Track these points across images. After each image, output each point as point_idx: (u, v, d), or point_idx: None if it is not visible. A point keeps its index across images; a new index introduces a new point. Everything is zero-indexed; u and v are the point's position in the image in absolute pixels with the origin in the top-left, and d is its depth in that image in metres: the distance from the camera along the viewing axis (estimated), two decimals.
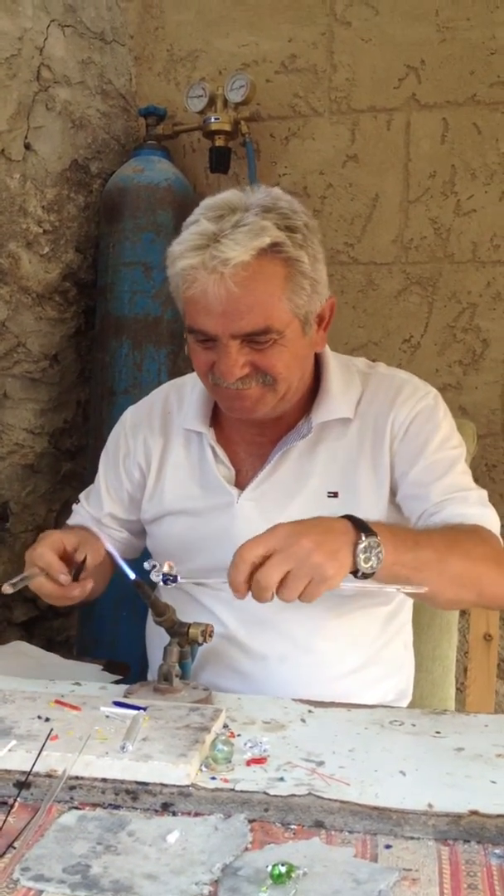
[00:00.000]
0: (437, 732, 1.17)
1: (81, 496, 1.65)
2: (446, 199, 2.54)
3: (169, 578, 1.24)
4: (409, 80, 2.55)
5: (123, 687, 1.31)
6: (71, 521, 1.65)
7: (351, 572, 1.20)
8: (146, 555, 1.62)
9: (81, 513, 1.64)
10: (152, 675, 1.54)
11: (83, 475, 2.66)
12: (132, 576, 1.22)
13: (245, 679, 1.43)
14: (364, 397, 1.50)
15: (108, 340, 2.56)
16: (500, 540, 1.42)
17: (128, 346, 2.52)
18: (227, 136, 2.60)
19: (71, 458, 2.69)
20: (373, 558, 1.19)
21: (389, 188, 2.59)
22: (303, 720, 1.21)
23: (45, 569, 1.31)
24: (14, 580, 1.27)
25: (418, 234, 2.58)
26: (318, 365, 1.51)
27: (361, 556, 1.19)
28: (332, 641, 1.44)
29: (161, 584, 1.24)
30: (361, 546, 1.19)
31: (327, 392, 1.48)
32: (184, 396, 1.59)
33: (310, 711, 1.24)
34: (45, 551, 1.32)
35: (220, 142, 2.60)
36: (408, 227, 2.58)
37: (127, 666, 1.63)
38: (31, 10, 2.33)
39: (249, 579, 1.16)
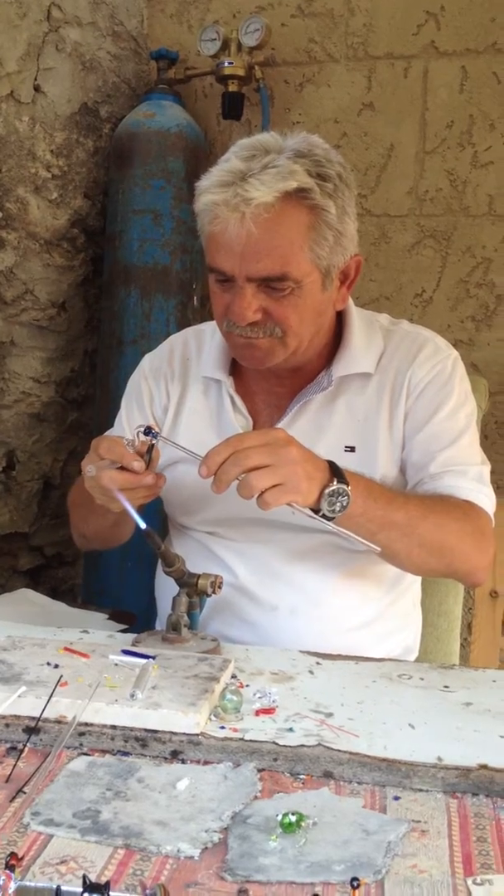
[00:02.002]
0: (446, 687, 1.17)
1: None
2: (463, 150, 2.49)
3: (151, 431, 1.24)
4: (427, 26, 2.49)
5: (131, 635, 1.31)
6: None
7: (314, 510, 1.23)
8: (159, 500, 1.61)
9: None
10: (161, 624, 1.54)
11: (89, 425, 2.65)
12: (143, 525, 1.21)
13: (254, 629, 1.43)
14: (385, 353, 1.48)
15: (116, 289, 2.53)
16: (490, 519, 1.42)
17: (136, 296, 2.49)
18: (240, 81, 2.55)
19: (77, 408, 2.67)
20: (336, 504, 1.23)
21: (405, 138, 2.54)
22: (311, 672, 1.21)
23: (118, 459, 1.24)
24: (94, 465, 1.25)
25: (434, 186, 2.53)
26: (340, 319, 1.49)
27: (326, 500, 1.22)
28: (342, 596, 1.44)
29: (143, 436, 1.24)
30: (329, 489, 1.22)
31: (349, 346, 1.46)
32: (203, 343, 1.58)
33: (318, 664, 1.24)
34: (113, 443, 1.26)
35: (233, 87, 2.55)
36: (423, 179, 2.54)
37: (132, 615, 1.63)
38: None
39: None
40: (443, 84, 2.50)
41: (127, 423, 1.59)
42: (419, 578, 1.58)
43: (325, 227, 1.32)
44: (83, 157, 2.53)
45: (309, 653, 1.27)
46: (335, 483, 1.23)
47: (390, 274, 2.59)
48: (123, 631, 1.47)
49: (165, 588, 1.47)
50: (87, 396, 2.69)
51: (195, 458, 1.22)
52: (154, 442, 1.25)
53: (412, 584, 1.56)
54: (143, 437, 1.24)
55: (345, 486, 1.23)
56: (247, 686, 1.13)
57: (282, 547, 1.45)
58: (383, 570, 1.48)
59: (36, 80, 2.34)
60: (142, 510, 1.28)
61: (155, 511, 1.62)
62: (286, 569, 1.44)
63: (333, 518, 1.24)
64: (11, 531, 2.48)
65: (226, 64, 2.53)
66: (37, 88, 2.34)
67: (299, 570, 1.44)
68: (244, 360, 1.43)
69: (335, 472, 1.24)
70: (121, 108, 2.65)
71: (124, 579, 2.36)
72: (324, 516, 1.24)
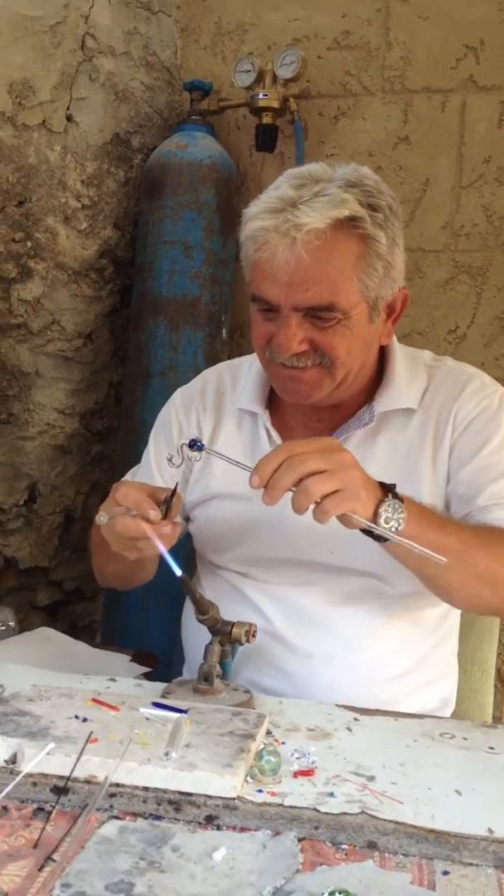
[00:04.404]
0: (491, 748, 1.11)
1: (127, 477, 1.59)
2: (500, 185, 2.45)
3: (197, 444, 1.20)
4: (466, 60, 2.46)
5: (159, 684, 1.26)
6: None
7: (367, 533, 1.18)
8: (186, 538, 1.56)
9: None
10: (189, 671, 1.49)
11: (112, 457, 2.61)
12: (179, 572, 1.16)
13: (288, 678, 1.38)
14: (429, 389, 1.44)
15: (144, 320, 2.49)
16: None
17: (164, 327, 2.46)
18: (274, 113, 2.52)
19: (101, 440, 2.63)
20: (393, 520, 1.18)
21: (441, 172, 2.50)
22: (349, 728, 1.15)
23: (134, 507, 1.20)
24: (105, 514, 1.21)
25: (469, 221, 2.49)
26: (383, 355, 1.45)
27: (383, 515, 1.17)
28: (381, 643, 1.39)
29: (188, 449, 1.20)
30: (385, 504, 1.17)
31: (392, 381, 1.42)
32: (239, 376, 1.54)
33: (355, 719, 1.18)
34: (131, 490, 1.22)
35: (267, 119, 2.52)
36: (459, 214, 2.50)
37: (155, 657, 1.58)
38: None
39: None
40: (481, 118, 2.46)
41: (154, 459, 1.55)
42: (457, 626, 1.53)
43: (375, 258, 1.28)
44: (114, 188, 2.51)
45: (346, 707, 1.22)
46: (390, 498, 1.18)
47: (424, 309, 2.54)
48: (148, 676, 1.42)
49: (192, 633, 1.42)
50: (110, 428, 2.65)
51: (245, 470, 1.16)
52: (177, 489, 1.21)
53: (451, 631, 1.51)
54: (187, 451, 1.20)
55: (400, 502, 1.18)
56: (283, 743, 1.07)
57: (318, 591, 1.39)
58: (423, 615, 1.42)
59: (68, 109, 2.32)
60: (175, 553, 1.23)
61: (181, 546, 1.56)
62: (322, 614, 1.38)
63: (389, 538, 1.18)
64: (31, 565, 2.43)
65: (260, 96, 2.50)
66: (69, 118, 2.33)
67: (336, 616, 1.38)
68: (287, 393, 1.39)
69: (388, 489, 1.20)
70: (153, 138, 2.63)
71: (146, 618, 2.31)
72: (380, 536, 1.18)
